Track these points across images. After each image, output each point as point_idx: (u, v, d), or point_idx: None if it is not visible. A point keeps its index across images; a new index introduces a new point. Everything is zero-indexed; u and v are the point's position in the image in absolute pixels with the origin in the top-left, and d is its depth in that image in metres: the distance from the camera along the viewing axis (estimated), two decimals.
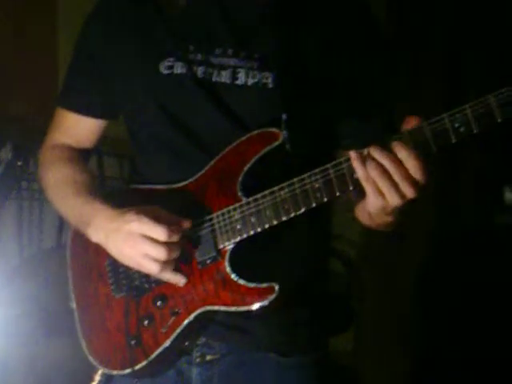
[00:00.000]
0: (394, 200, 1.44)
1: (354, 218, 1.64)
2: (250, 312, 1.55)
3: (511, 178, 3.71)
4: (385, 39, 1.69)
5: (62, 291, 1.83)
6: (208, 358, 1.68)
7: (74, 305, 1.77)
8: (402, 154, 1.43)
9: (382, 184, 1.44)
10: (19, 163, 3.22)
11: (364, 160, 1.44)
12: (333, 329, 1.84)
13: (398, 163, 1.42)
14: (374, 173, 1.43)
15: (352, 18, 1.66)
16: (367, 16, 1.68)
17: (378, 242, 3.76)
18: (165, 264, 1.56)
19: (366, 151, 1.45)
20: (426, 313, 3.72)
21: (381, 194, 1.44)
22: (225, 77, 1.63)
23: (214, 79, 1.63)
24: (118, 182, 3.54)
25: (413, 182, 1.43)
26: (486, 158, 3.65)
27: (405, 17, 3.71)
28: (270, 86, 1.60)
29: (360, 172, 1.45)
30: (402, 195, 1.44)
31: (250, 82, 1.61)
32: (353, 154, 1.45)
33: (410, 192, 1.44)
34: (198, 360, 1.68)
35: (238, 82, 1.62)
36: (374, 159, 1.44)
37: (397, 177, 1.43)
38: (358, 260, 3.72)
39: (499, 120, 1.39)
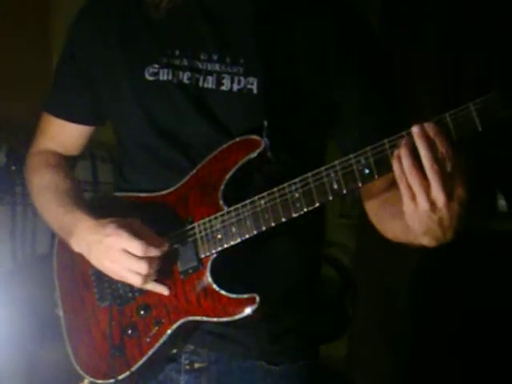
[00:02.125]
0: (423, 205, 1.35)
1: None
2: (232, 322, 1.54)
3: (504, 185, 3.71)
4: (377, 42, 1.65)
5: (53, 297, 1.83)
6: (196, 365, 1.67)
7: (60, 312, 1.76)
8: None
9: (413, 183, 1.35)
10: (13, 168, 3.21)
11: (401, 158, 1.36)
12: (325, 336, 1.82)
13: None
14: (409, 170, 1.34)
15: (341, 21, 1.62)
16: (356, 20, 1.64)
17: (372, 248, 3.75)
18: (146, 277, 1.56)
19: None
20: (419, 319, 3.70)
21: (412, 195, 1.35)
22: (211, 82, 1.62)
23: (200, 85, 1.62)
24: (112, 187, 3.53)
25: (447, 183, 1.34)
26: (479, 165, 3.64)
27: (398, 17, 3.69)
28: (255, 91, 1.59)
29: (397, 170, 1.36)
30: (432, 199, 1.34)
31: (235, 87, 1.60)
32: (415, 129, 1.35)
33: (440, 196, 1.34)
34: (186, 367, 1.67)
35: (224, 87, 1.61)
36: (410, 158, 1.34)
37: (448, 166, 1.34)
38: (351, 266, 3.71)
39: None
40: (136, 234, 1.55)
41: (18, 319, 2.90)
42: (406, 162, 1.35)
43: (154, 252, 1.54)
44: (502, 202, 3.76)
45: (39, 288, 2.91)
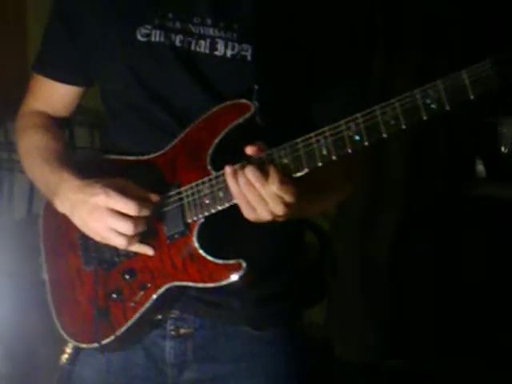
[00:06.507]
0: (264, 215, 1.46)
1: None
2: (218, 288, 1.53)
3: (483, 151, 3.74)
4: (366, 15, 1.66)
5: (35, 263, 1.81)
6: (182, 331, 1.67)
7: (45, 276, 1.74)
8: (270, 174, 1.44)
9: (251, 200, 1.45)
10: None
11: (237, 175, 1.45)
12: (307, 301, 1.83)
13: (264, 182, 1.44)
14: (245, 188, 1.45)
15: None
16: None
17: (352, 215, 3.76)
18: (131, 238, 1.54)
19: (240, 166, 1.47)
20: (397, 285, 3.73)
21: (253, 208, 1.46)
22: (204, 47, 1.59)
23: (192, 48, 1.60)
24: (88, 151, 3.51)
25: (280, 200, 1.45)
26: (458, 131, 3.66)
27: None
28: (249, 58, 1.57)
29: (232, 187, 1.46)
30: (271, 211, 1.46)
31: (229, 53, 1.58)
32: (228, 169, 1.47)
33: (278, 209, 1.45)
34: (172, 333, 1.67)
35: (217, 52, 1.59)
36: (245, 175, 1.45)
37: (264, 194, 1.44)
38: (330, 232, 3.72)
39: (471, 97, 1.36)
40: (124, 193, 1.53)
41: None
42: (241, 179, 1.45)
43: (145, 212, 1.53)
44: (480, 168, 3.81)
45: (19, 252, 2.91)
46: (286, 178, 1.45)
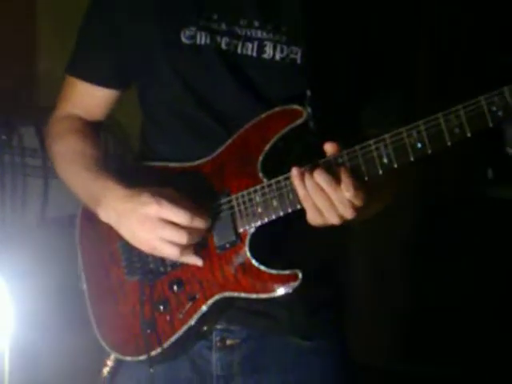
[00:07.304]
0: (332, 219, 1.43)
1: None
2: (271, 299, 1.50)
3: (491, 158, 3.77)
4: (412, 15, 1.63)
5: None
6: (228, 342, 1.62)
7: (84, 286, 1.69)
8: (343, 179, 1.41)
9: (320, 204, 1.42)
10: (3, 137, 3.15)
11: (304, 178, 1.42)
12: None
13: (336, 187, 1.40)
14: (313, 192, 1.41)
15: None
16: None
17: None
18: (184, 249, 1.50)
19: (308, 169, 1.43)
20: (411, 289, 3.73)
21: (320, 212, 1.43)
22: (250, 49, 1.55)
23: (238, 51, 1.55)
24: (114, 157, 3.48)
25: (350, 205, 1.41)
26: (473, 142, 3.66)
27: None
28: (299, 61, 1.53)
29: (299, 190, 1.43)
30: (340, 216, 1.42)
31: (278, 56, 1.54)
32: (295, 171, 1.43)
33: (347, 214, 1.42)
34: (218, 345, 1.62)
35: (265, 55, 1.54)
36: (313, 179, 1.41)
37: (334, 199, 1.41)
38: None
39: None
40: (174, 202, 1.48)
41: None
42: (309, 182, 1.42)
43: (199, 222, 1.48)
44: (489, 171, 3.88)
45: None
46: (358, 182, 1.41)
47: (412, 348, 3.70)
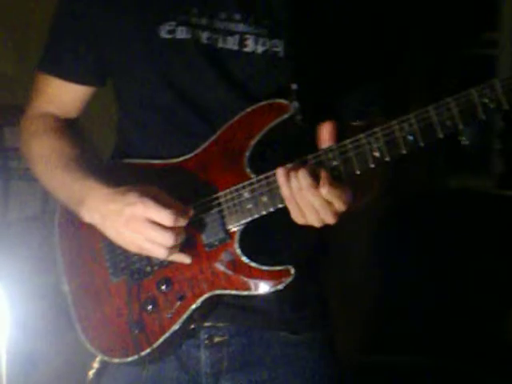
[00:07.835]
0: (314, 222, 1.43)
1: None
2: (262, 295, 1.49)
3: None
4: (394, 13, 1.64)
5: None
6: (216, 340, 1.60)
7: (66, 287, 1.65)
8: (321, 178, 1.40)
9: (302, 205, 1.41)
10: None
11: (290, 178, 1.41)
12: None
13: (314, 191, 1.40)
14: (297, 194, 1.41)
15: None
16: None
17: None
18: (172, 249, 1.47)
19: (292, 167, 1.42)
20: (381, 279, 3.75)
21: (302, 213, 1.42)
22: (232, 43, 1.53)
23: (219, 45, 1.53)
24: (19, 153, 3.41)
25: (331, 209, 1.41)
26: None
27: None
28: (281, 54, 1.52)
29: (284, 190, 1.42)
30: (321, 220, 1.43)
31: (260, 49, 1.52)
32: (280, 171, 1.42)
33: (328, 219, 1.43)
34: (206, 343, 1.60)
35: (247, 49, 1.52)
36: (298, 181, 1.40)
37: (314, 203, 1.41)
38: None
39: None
40: (159, 201, 1.45)
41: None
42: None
43: (183, 222, 1.45)
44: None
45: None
46: (335, 181, 1.40)
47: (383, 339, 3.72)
